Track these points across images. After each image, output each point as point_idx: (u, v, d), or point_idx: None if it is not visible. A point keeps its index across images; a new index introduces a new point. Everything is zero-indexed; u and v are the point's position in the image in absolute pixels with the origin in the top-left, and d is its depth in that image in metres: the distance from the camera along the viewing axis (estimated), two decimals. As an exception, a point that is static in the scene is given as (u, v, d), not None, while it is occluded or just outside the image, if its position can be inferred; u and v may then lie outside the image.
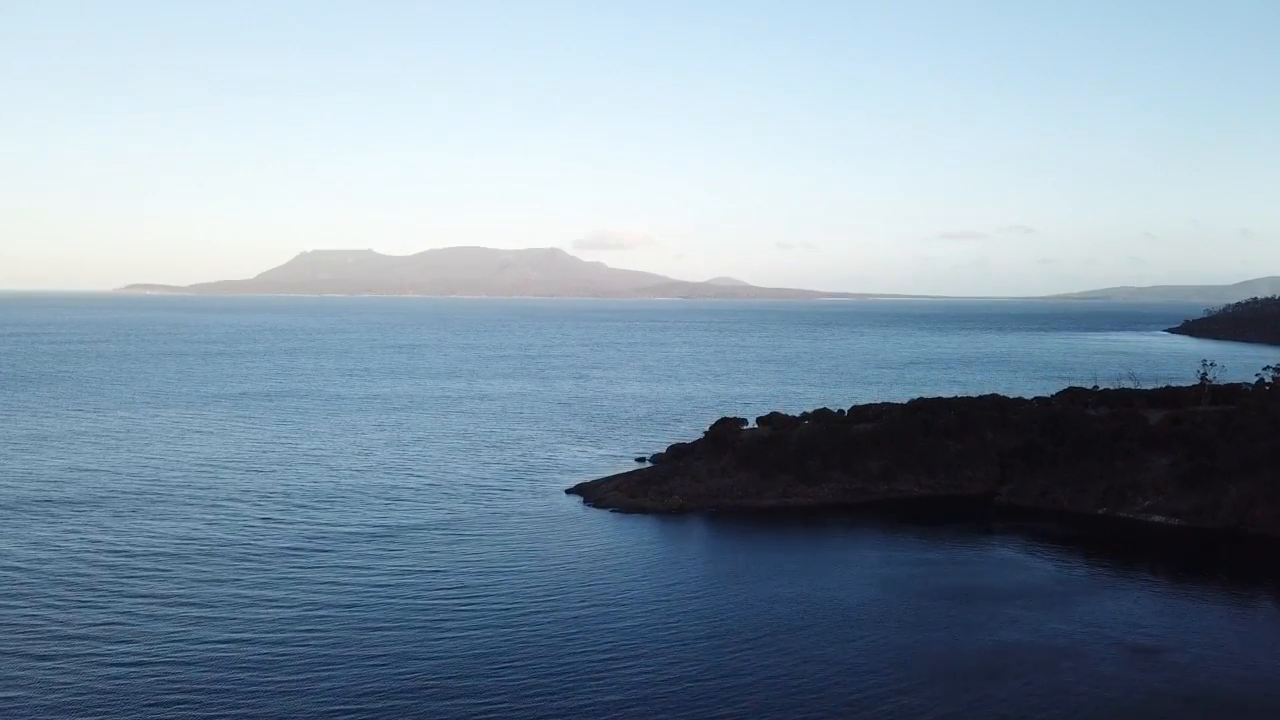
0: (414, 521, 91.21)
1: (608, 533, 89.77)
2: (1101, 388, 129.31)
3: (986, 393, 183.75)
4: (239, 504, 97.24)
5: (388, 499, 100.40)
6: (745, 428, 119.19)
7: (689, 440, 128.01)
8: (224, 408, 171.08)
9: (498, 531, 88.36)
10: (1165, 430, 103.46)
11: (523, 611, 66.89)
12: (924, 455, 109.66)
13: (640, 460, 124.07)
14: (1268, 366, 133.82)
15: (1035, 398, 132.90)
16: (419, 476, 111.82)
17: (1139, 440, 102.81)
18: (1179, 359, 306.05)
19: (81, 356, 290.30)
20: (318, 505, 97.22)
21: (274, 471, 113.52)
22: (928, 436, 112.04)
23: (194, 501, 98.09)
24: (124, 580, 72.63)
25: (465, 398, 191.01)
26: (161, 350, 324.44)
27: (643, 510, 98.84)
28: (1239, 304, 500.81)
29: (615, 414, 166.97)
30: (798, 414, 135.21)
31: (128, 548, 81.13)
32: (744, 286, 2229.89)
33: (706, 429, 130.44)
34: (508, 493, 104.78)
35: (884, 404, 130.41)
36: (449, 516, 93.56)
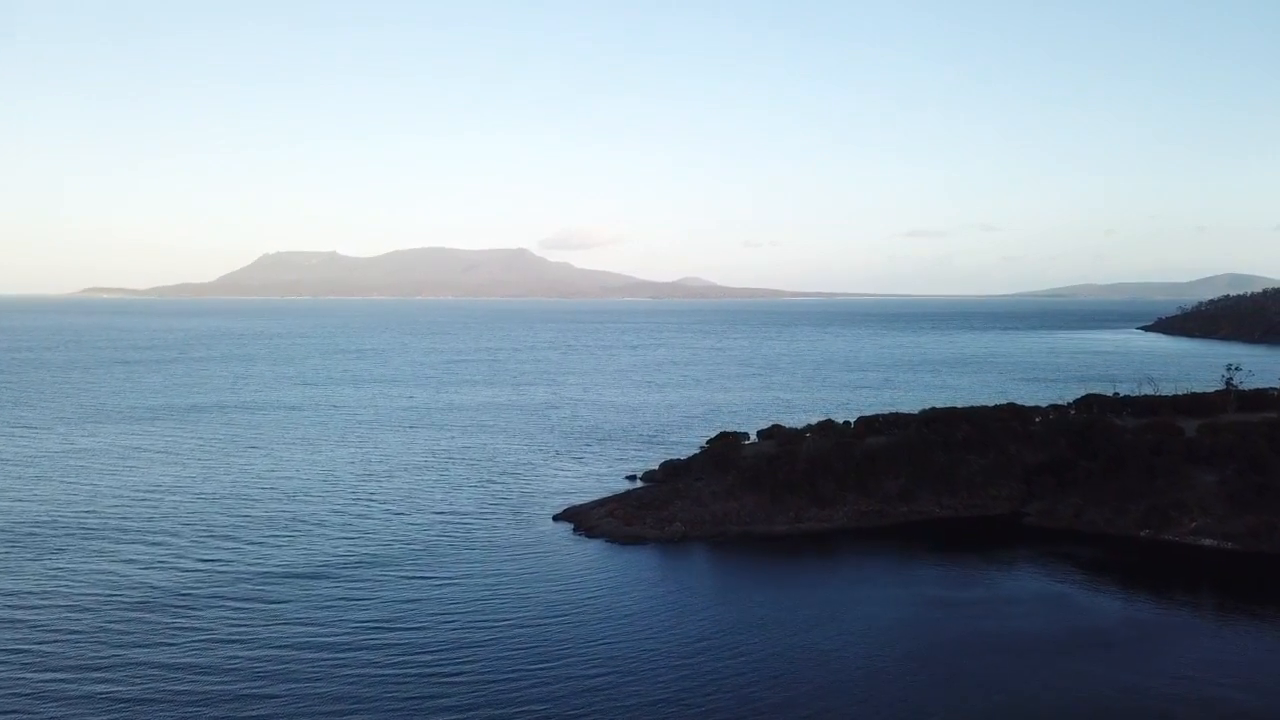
0: (382, 560, 79.82)
1: (606, 569, 78.99)
2: (1122, 394, 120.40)
3: (985, 398, 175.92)
4: (181, 541, 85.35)
5: (351, 532, 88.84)
6: (747, 443, 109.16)
7: (682, 456, 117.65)
8: (171, 423, 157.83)
9: (480, 570, 77.24)
10: (1207, 443, 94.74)
11: (517, 681, 55.98)
12: (944, 472, 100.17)
13: (631, 479, 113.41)
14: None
15: (1051, 405, 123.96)
16: (385, 503, 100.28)
17: (1181, 454, 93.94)
18: (1164, 358, 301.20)
19: (23, 365, 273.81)
20: (270, 541, 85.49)
21: (223, 500, 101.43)
22: (947, 451, 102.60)
23: (130, 538, 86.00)
24: (28, 644, 60.71)
25: (432, 408, 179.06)
26: (111, 358, 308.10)
27: (641, 540, 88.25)
28: (1211, 301, 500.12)
29: (596, 426, 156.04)
30: (798, 425, 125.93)
31: (41, 600, 69.11)
32: (712, 286, 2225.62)
33: (701, 443, 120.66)
34: (487, 521, 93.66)
35: (893, 414, 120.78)
36: (421, 552, 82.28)
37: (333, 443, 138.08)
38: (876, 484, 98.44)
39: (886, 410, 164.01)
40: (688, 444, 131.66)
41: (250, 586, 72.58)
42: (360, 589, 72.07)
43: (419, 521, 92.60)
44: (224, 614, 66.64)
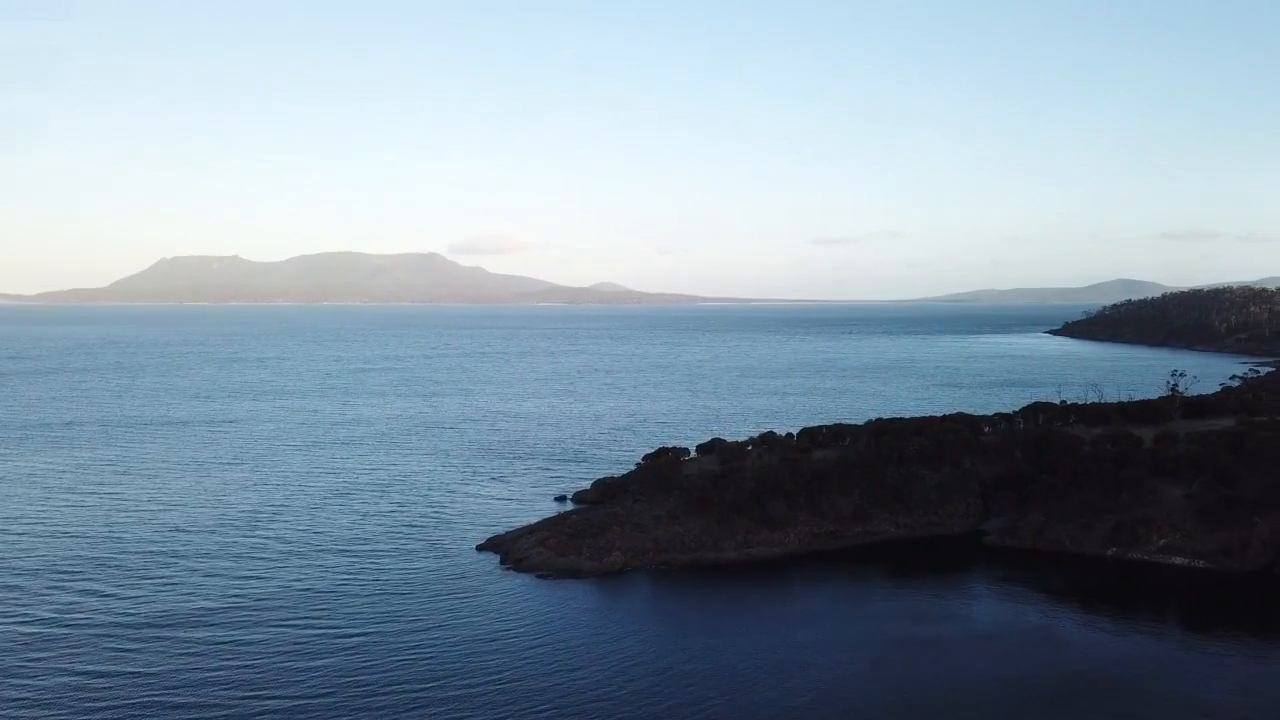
0: (276, 605, 68.48)
1: (540, 611, 69.14)
2: (1069, 402, 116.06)
3: (917, 405, 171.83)
4: (34, 584, 72.32)
5: (241, 572, 76.96)
6: (687, 459, 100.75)
7: (616, 473, 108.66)
8: (41, 442, 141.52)
9: (393, 615, 66.59)
10: (1171, 454, 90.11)
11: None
12: (898, 489, 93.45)
13: (561, 501, 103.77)
14: (1234, 376, 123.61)
15: (997, 414, 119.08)
16: (283, 535, 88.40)
17: (1145, 467, 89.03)
18: (1080, 362, 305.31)
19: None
20: (143, 585, 73.20)
21: (90, 536, 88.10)
22: (900, 466, 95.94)
23: (-29, 586, 72.57)
24: None
25: (337, 423, 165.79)
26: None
27: (577, 572, 78.71)
28: (1115, 305, 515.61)
29: (518, 440, 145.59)
30: (735, 438, 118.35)
31: None
32: (627, 292, 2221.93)
33: (635, 459, 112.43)
34: (400, 555, 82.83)
35: (836, 425, 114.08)
36: (324, 595, 71.15)
37: (225, 464, 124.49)
38: (829, 503, 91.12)
39: (820, 418, 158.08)
40: (620, 460, 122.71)
41: (108, 641, 60.59)
42: (247, 641, 60.83)
43: (321, 557, 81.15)
44: (69, 677, 54.73)
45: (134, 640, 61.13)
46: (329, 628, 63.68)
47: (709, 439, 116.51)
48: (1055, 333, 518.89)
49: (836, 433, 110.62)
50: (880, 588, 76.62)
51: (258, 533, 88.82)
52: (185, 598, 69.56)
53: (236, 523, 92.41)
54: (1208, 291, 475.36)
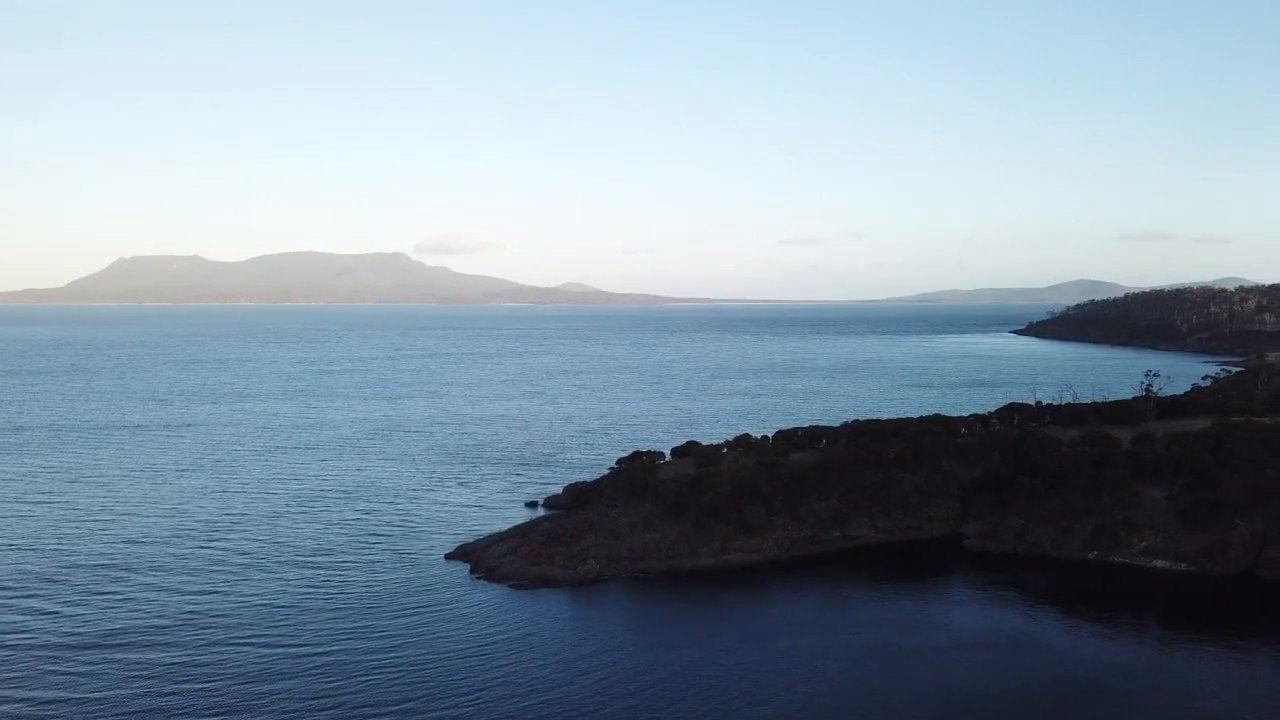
0: (234, 623, 65.18)
1: (513, 624, 66.49)
2: (1044, 402, 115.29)
3: (890, 405, 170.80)
4: (-24, 605, 68.44)
5: (198, 585, 73.51)
6: (662, 462, 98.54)
7: (589, 478, 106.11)
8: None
9: (359, 632, 63.57)
10: (1151, 456, 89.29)
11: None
12: (877, 492, 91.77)
13: (532, 507, 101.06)
14: (1206, 376, 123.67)
15: (973, 415, 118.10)
16: (243, 546, 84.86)
17: (1125, 469, 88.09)
18: (1047, 362, 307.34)
19: None
20: (95, 600, 69.60)
21: (39, 547, 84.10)
22: (878, 469, 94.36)
23: (-94, 604, 68.52)
24: None
25: (300, 427, 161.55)
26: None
27: (551, 582, 76.16)
28: (1079, 306, 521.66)
29: (487, 444, 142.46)
30: (709, 440, 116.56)
31: None
32: (595, 292, 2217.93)
33: (607, 462, 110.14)
34: (365, 566, 79.72)
35: (812, 427, 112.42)
36: (286, 610, 67.95)
37: (182, 471, 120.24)
38: (807, 507, 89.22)
39: (793, 419, 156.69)
40: (592, 464, 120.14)
41: (53, 663, 57.10)
42: (203, 663, 57.58)
43: (283, 570, 77.80)
44: (10, 705, 51.29)
45: (83, 662, 57.69)
46: (292, 646, 60.57)
47: (682, 441, 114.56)
48: (1020, 332, 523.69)
49: (812, 435, 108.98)
50: (861, 595, 74.82)
51: (216, 544, 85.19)
52: (138, 615, 66.09)
53: (193, 533, 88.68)
54: (1169, 292, 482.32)
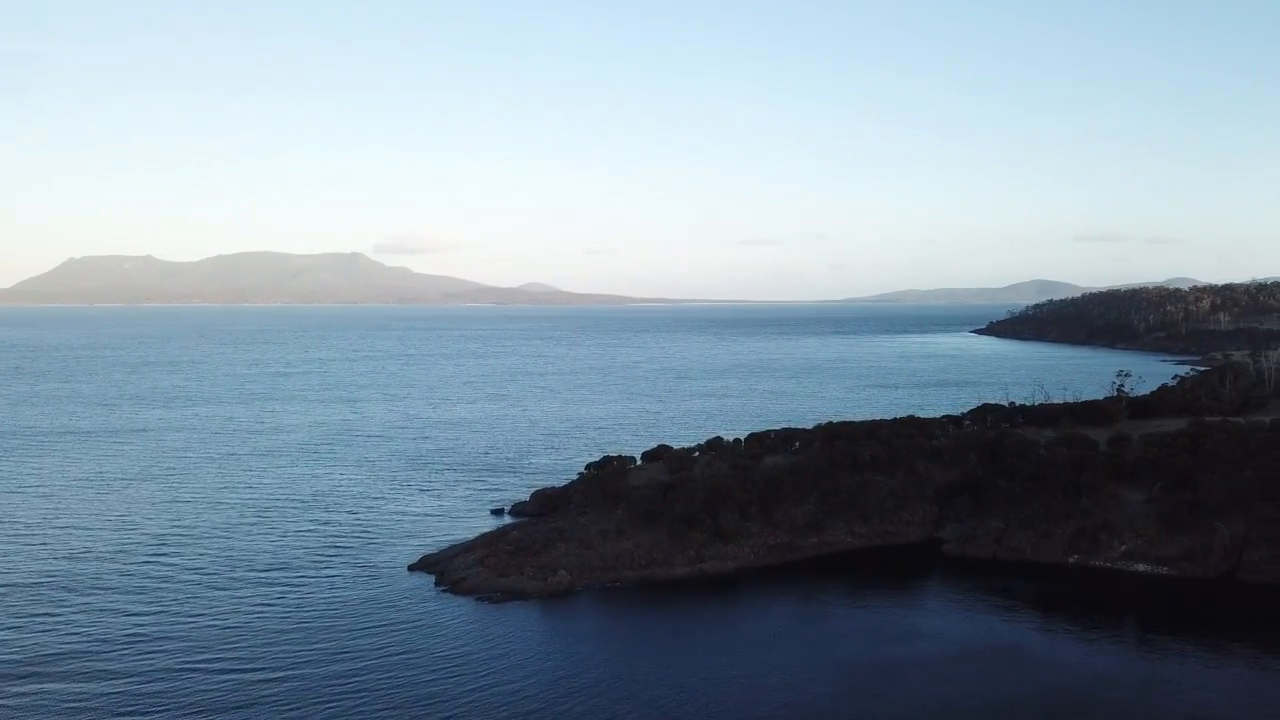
0: (185, 645, 61.15)
1: (480, 637, 63.26)
2: (1017, 403, 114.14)
3: (859, 406, 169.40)
4: (-100, 630, 63.64)
5: (145, 604, 69.21)
6: (633, 467, 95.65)
7: (556, 484, 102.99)
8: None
9: (319, 654, 59.87)
10: (1130, 457, 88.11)
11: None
12: (853, 497, 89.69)
13: (498, 514, 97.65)
14: (1176, 376, 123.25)
15: (945, 415, 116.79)
16: (194, 561, 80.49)
17: (1104, 471, 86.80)
18: (1010, 361, 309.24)
19: None
20: (33, 619, 65.06)
21: (-26, 562, 79.11)
22: (854, 472, 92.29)
23: None
24: None
25: (253, 431, 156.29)
26: None
27: (520, 594, 72.93)
28: (1037, 305, 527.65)
29: (450, 449, 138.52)
30: (678, 443, 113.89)
31: None
32: (557, 292, 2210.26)
33: (575, 467, 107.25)
34: (325, 579, 75.88)
35: (785, 430, 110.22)
36: (241, 625, 64.06)
37: (129, 479, 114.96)
38: (783, 513, 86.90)
39: (762, 420, 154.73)
40: (559, 469, 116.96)
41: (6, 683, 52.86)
42: (148, 693, 53.58)
43: (236, 586, 73.71)
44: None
45: (15, 691, 53.45)
46: (246, 670, 56.74)
47: (651, 444, 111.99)
48: (981, 332, 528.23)
49: (785, 437, 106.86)
50: (840, 604, 72.47)
51: (164, 559, 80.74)
52: (76, 639, 61.77)
53: (140, 547, 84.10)
54: (1124, 292, 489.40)
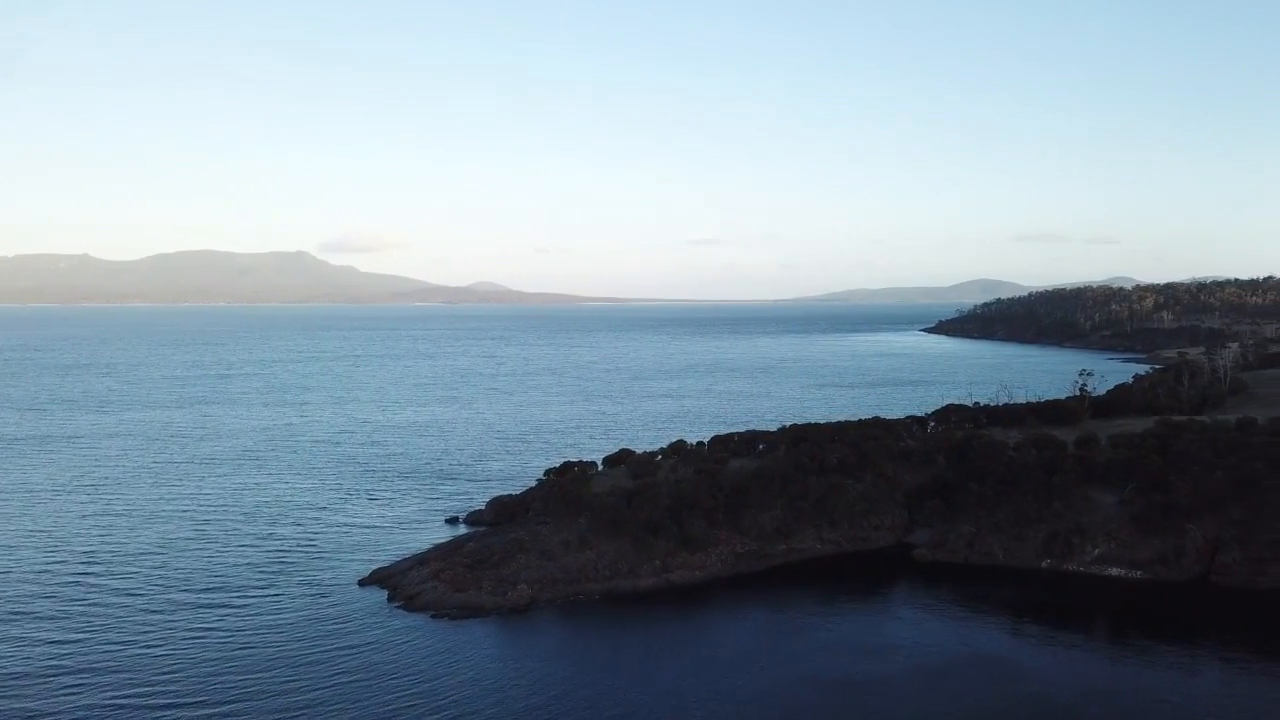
0: (113, 669, 56.21)
1: (438, 658, 59.30)
2: (982, 403, 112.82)
3: (818, 407, 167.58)
4: None
5: (72, 627, 63.99)
6: (595, 473, 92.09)
7: (513, 491, 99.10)
8: None
9: (261, 681, 55.33)
10: (1103, 459, 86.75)
11: None
12: (821, 501, 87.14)
13: (453, 523, 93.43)
14: (1135, 375, 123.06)
15: (909, 416, 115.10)
16: (127, 579, 75.13)
17: (1075, 473, 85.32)
18: (962, 360, 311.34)
19: None
20: (-57, 653, 59.47)
21: (-120, 585, 72.79)
22: (821, 476, 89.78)
23: None
24: None
25: (193, 437, 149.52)
26: None
27: (478, 610, 69.02)
28: (985, 304, 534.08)
29: (401, 455, 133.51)
30: (640, 446, 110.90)
31: None
32: (507, 291, 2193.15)
33: (533, 473, 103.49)
34: (269, 596, 71.18)
35: (748, 433, 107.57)
36: (178, 651, 59.19)
37: (58, 490, 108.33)
38: (750, 519, 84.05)
39: (721, 422, 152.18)
40: (516, 475, 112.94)
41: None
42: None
43: (173, 606, 68.63)
44: None
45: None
46: (183, 705, 52.03)
47: (610, 447, 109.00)
48: (930, 330, 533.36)
49: (749, 439, 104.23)
50: (813, 617, 69.62)
51: (93, 578, 75.20)
52: (-5, 669, 56.52)
53: (67, 566, 78.39)
54: (1070, 290, 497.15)
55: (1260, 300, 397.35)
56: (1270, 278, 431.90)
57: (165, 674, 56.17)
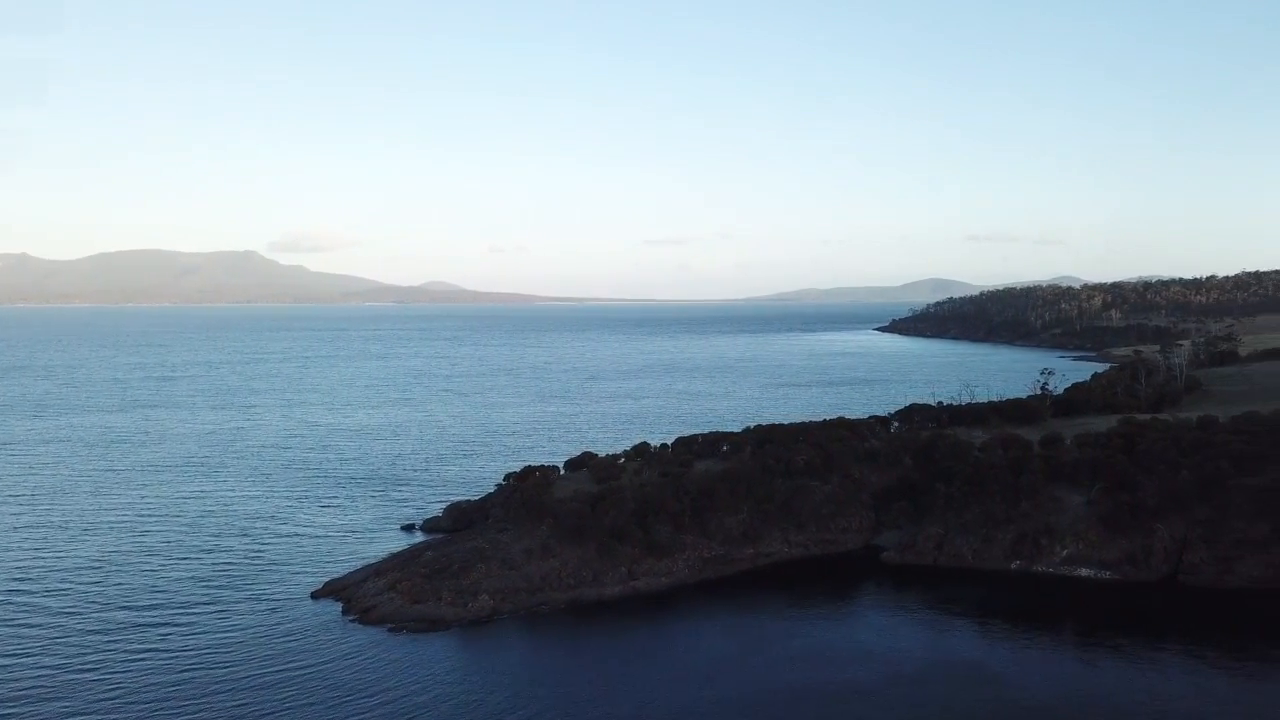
0: (48, 695, 52.48)
1: (395, 674, 56.40)
2: (945, 402, 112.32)
3: (777, 406, 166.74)
4: None
5: (3, 647, 59.87)
6: (557, 477, 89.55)
7: (472, 497, 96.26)
8: None
9: (208, 706, 52.03)
10: (1070, 459, 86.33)
11: None
12: (788, 504, 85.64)
13: (409, 530, 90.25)
14: (1095, 373, 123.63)
15: (872, 416, 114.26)
16: (63, 593, 71.02)
17: (1043, 473, 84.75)
18: (917, 358, 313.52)
19: None
20: None
21: None
22: (787, 478, 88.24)
23: None
24: None
25: (135, 443, 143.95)
26: None
27: (437, 623, 66.18)
28: (938, 303, 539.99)
29: (353, 459, 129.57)
30: (598, 448, 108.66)
31: None
32: (460, 290, 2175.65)
33: (491, 477, 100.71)
34: (216, 610, 67.59)
35: (712, 434, 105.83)
36: (117, 673, 55.57)
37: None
38: (717, 523, 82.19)
39: (682, 423, 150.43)
40: (473, 479, 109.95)
41: None
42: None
43: (113, 625, 64.75)
44: None
45: None
46: (117, 730, 48.63)
47: (570, 450, 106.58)
48: (884, 329, 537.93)
49: (713, 441, 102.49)
50: (783, 623, 67.79)
51: (23, 595, 70.87)
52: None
53: (1, 578, 74.00)
54: (1020, 290, 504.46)
55: (1204, 299, 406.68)
56: (1213, 277, 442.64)
57: (105, 700, 52.55)
